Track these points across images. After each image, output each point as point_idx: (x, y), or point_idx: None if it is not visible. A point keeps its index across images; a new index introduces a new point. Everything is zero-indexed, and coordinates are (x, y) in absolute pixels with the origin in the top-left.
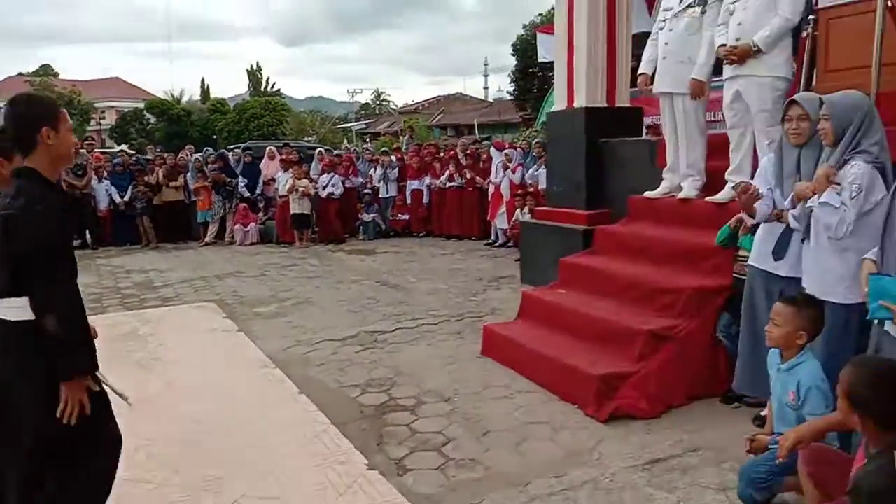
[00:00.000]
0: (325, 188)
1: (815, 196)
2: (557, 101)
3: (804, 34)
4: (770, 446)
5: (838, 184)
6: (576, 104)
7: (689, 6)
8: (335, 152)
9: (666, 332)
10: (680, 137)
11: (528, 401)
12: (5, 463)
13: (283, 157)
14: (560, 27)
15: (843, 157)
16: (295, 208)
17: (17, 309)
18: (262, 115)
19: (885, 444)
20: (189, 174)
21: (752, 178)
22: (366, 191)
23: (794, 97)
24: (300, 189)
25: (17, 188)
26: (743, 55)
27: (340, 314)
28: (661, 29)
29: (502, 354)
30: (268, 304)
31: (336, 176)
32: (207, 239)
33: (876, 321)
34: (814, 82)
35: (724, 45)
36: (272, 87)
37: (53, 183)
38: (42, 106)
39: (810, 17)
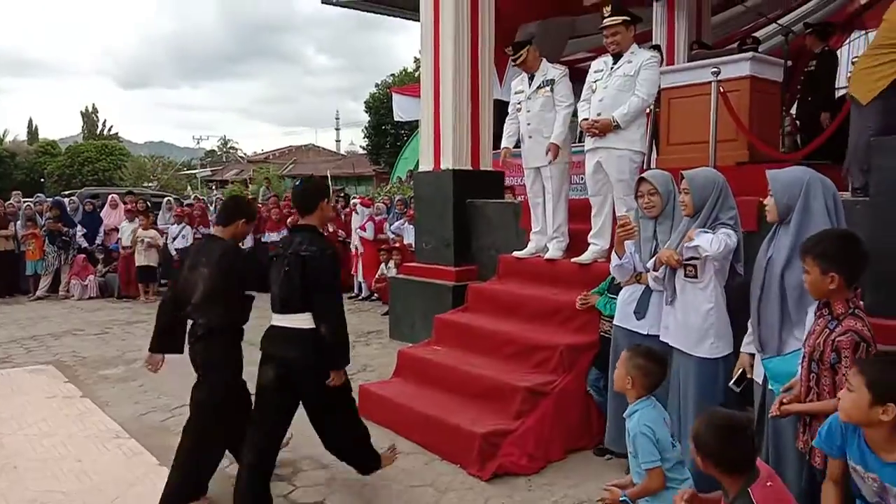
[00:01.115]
0: (174, 239)
1: (688, 242)
2: (424, 163)
3: (647, 111)
4: (620, 499)
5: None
6: (443, 166)
7: (539, 87)
8: (185, 201)
9: (542, 388)
10: (548, 203)
11: (409, 463)
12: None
13: (129, 206)
14: (426, 94)
15: (705, 228)
16: (140, 260)
17: (307, 319)
18: (97, 158)
19: (737, 487)
20: (19, 222)
21: (612, 241)
22: None
23: (643, 175)
24: (146, 240)
25: (309, 239)
26: (604, 129)
27: None
28: (519, 110)
29: (380, 415)
30: (115, 365)
31: (187, 227)
32: (39, 293)
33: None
34: (655, 154)
35: (586, 119)
36: (109, 129)
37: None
38: (323, 185)
39: None
